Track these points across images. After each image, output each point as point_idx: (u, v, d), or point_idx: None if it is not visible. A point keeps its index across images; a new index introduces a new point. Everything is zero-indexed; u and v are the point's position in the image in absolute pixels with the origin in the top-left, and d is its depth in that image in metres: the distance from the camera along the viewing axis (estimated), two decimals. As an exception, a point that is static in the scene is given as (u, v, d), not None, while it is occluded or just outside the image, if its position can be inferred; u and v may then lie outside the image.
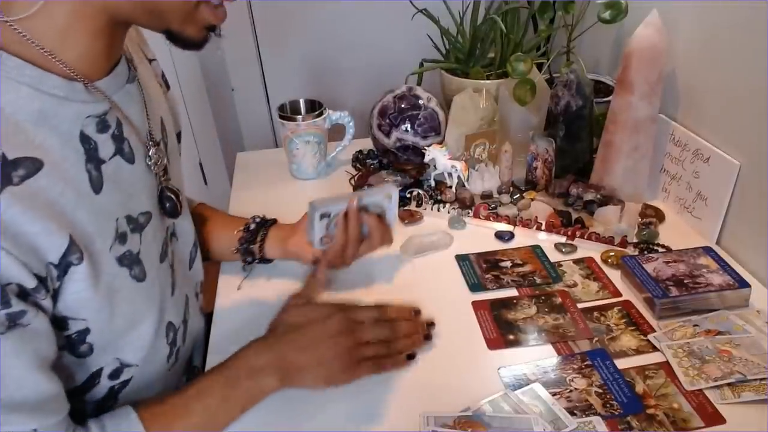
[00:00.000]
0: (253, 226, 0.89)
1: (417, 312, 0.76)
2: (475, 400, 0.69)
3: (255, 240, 0.88)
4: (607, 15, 1.03)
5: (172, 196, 0.68)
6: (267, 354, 0.67)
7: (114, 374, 0.64)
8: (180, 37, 0.59)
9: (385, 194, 0.80)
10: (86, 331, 0.58)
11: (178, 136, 0.81)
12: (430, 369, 0.75)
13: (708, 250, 0.86)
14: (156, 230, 0.66)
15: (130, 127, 0.62)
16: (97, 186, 0.57)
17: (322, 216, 0.78)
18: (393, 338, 0.72)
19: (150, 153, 0.65)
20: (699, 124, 0.97)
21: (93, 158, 0.57)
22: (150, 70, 0.75)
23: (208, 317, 0.87)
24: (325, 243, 0.80)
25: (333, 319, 0.69)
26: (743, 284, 0.79)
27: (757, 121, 0.83)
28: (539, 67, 1.11)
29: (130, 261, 0.61)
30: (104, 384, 0.64)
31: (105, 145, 0.58)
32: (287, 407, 0.71)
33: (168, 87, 0.80)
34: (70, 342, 0.58)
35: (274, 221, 0.91)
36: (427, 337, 0.76)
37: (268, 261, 0.91)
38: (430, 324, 0.77)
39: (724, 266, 0.83)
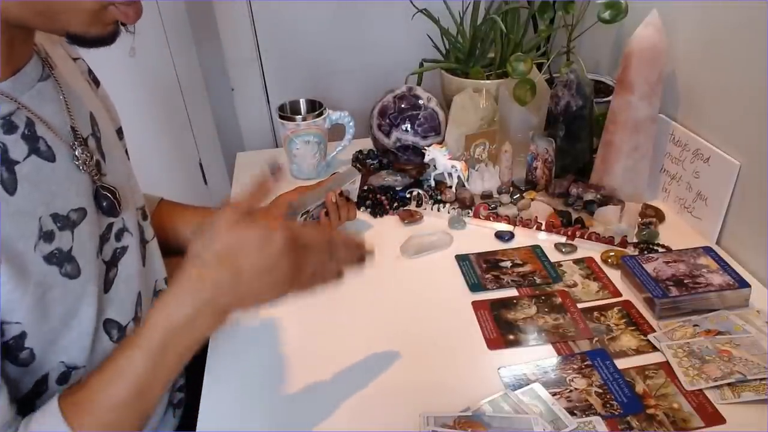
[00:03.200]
0: None
1: (361, 244, 0.66)
2: (475, 400, 0.69)
3: None
4: (607, 15, 1.03)
5: (108, 194, 0.66)
6: (190, 303, 0.56)
7: (62, 379, 0.62)
8: (85, 39, 0.57)
9: (351, 180, 0.95)
10: (23, 336, 0.57)
11: (119, 132, 0.80)
12: (430, 369, 0.75)
13: (708, 250, 0.86)
14: (93, 227, 0.64)
15: (44, 125, 0.60)
16: (10, 187, 0.56)
17: (302, 214, 0.88)
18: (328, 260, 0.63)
19: (77, 153, 0.63)
20: (699, 124, 0.97)
21: (4, 160, 0.56)
22: (75, 68, 0.73)
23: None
24: None
25: (274, 242, 0.55)
26: (743, 284, 0.79)
27: (757, 121, 0.83)
28: (539, 67, 1.11)
29: (60, 259, 0.59)
30: (54, 389, 0.62)
31: (16, 145, 0.57)
32: (287, 407, 0.71)
33: (97, 84, 0.79)
34: (8, 350, 0.56)
35: None
36: (360, 260, 0.66)
37: None
38: (370, 251, 0.67)
39: (724, 266, 0.83)
